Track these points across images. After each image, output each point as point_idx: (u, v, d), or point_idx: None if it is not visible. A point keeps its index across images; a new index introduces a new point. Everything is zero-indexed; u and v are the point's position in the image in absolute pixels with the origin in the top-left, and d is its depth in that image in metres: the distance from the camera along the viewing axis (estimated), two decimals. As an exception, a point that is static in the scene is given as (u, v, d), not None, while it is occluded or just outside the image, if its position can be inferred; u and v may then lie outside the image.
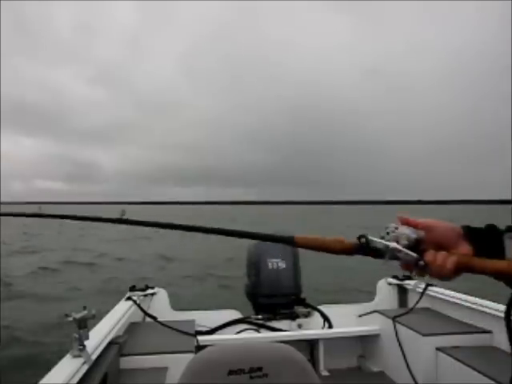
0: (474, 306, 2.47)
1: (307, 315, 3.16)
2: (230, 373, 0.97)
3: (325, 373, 2.68)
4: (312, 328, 3.03)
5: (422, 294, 2.89)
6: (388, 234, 0.75)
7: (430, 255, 0.72)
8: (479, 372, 1.94)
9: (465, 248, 0.74)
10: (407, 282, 3.16)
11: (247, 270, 3.28)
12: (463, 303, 2.56)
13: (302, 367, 1.03)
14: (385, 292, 3.28)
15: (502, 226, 0.72)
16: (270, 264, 3.14)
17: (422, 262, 0.72)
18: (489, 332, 2.33)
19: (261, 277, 3.12)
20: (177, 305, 3.22)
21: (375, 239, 0.75)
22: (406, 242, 0.73)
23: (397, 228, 0.74)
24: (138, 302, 2.75)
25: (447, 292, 2.78)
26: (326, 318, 3.07)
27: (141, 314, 2.74)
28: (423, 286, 2.94)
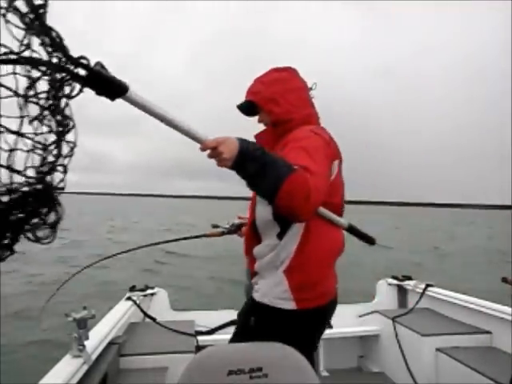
0: (473, 307, 2.47)
1: None
2: (230, 373, 0.97)
3: (325, 373, 2.68)
4: None
5: (422, 294, 2.89)
6: (229, 223, 1.94)
7: (243, 231, 1.84)
8: (479, 372, 1.94)
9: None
10: (407, 282, 3.16)
11: (247, 269, 3.27)
12: (463, 303, 2.56)
13: (302, 367, 1.03)
14: (385, 292, 3.27)
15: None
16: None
17: (239, 233, 1.89)
18: (489, 332, 2.33)
19: None
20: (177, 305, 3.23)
21: (221, 225, 1.98)
22: (235, 223, 1.91)
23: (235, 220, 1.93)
24: (137, 302, 2.75)
25: (447, 292, 2.78)
26: None
27: (141, 313, 2.74)
28: (423, 286, 2.94)
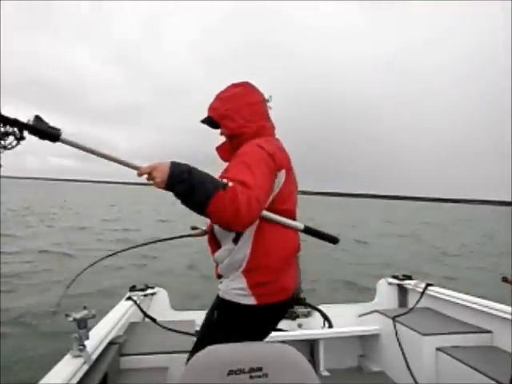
0: (474, 306, 2.47)
1: (307, 315, 3.16)
2: (230, 373, 0.97)
3: (325, 373, 2.68)
4: (312, 328, 3.03)
5: (422, 293, 2.89)
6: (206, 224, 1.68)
7: None
8: (479, 372, 1.94)
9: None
10: (407, 281, 3.16)
11: None
12: (463, 303, 2.56)
13: (302, 367, 1.02)
14: (385, 292, 3.27)
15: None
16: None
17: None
18: (489, 332, 2.33)
19: None
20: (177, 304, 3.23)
21: (200, 227, 2.09)
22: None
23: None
24: (138, 302, 2.75)
25: (447, 292, 2.78)
26: (326, 318, 3.06)
27: (141, 313, 2.74)
28: (423, 285, 2.94)
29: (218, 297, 1.49)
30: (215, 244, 1.50)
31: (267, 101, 1.60)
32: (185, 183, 1.16)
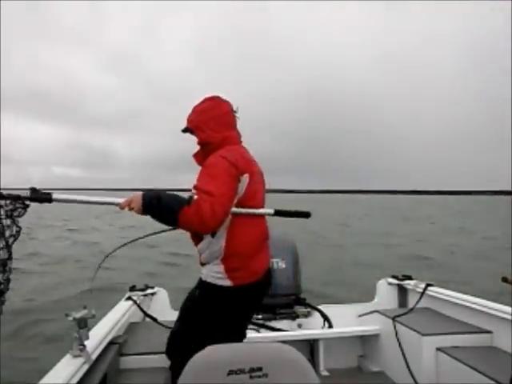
0: (474, 306, 2.47)
1: (307, 315, 3.16)
2: (230, 373, 0.97)
3: (325, 373, 2.68)
4: (312, 328, 3.03)
5: (422, 293, 2.89)
6: None
7: None
8: (479, 372, 1.94)
9: None
10: (407, 281, 3.16)
11: None
12: (463, 303, 2.56)
13: (302, 367, 1.02)
14: (385, 292, 3.27)
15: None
16: (270, 264, 3.13)
17: None
18: (489, 332, 2.33)
19: None
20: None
21: None
22: None
23: None
24: (138, 301, 2.75)
25: (447, 292, 2.78)
26: (326, 318, 3.07)
27: (141, 313, 2.74)
28: (423, 285, 2.94)
29: (200, 279, 1.77)
30: (197, 237, 1.75)
31: (235, 112, 1.85)
32: (155, 208, 1.48)
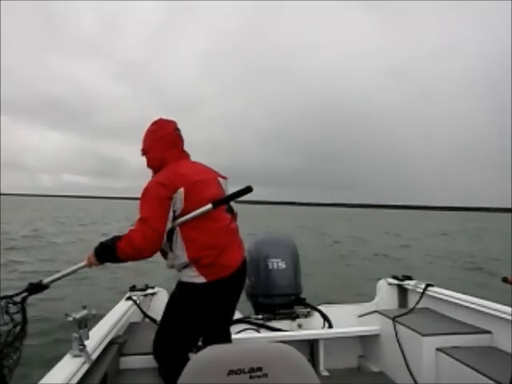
0: (474, 306, 2.47)
1: (307, 315, 3.16)
2: (230, 373, 0.97)
3: (325, 373, 2.68)
4: (312, 328, 3.03)
5: (422, 294, 2.89)
6: None
7: None
8: (479, 372, 1.94)
9: None
10: (407, 282, 3.16)
11: (247, 269, 3.27)
12: (463, 303, 2.56)
13: (302, 367, 1.02)
14: (385, 292, 3.27)
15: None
16: (270, 264, 3.13)
17: None
18: (489, 332, 2.33)
19: (261, 277, 3.11)
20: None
21: None
22: None
23: None
24: (138, 302, 2.75)
25: (447, 292, 2.77)
26: (326, 318, 3.06)
27: (141, 313, 2.74)
28: (423, 286, 2.94)
29: (178, 280, 1.90)
30: (163, 253, 1.92)
31: (177, 130, 2.00)
32: (102, 255, 1.73)
